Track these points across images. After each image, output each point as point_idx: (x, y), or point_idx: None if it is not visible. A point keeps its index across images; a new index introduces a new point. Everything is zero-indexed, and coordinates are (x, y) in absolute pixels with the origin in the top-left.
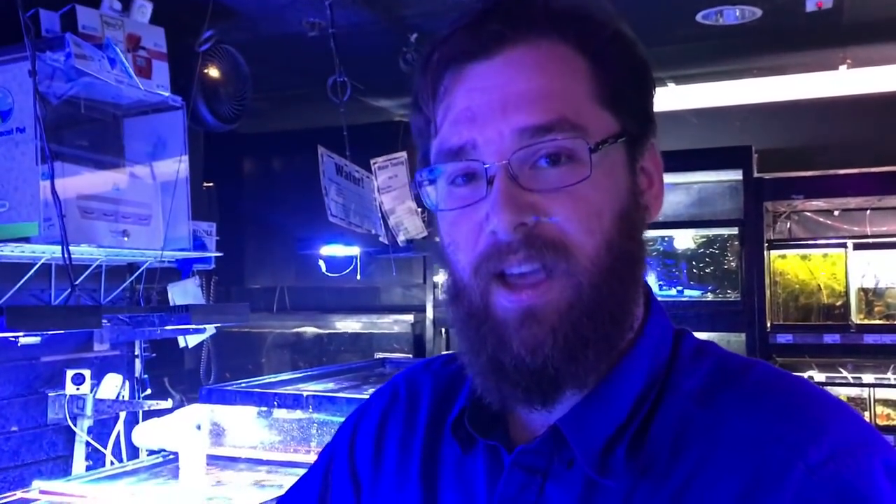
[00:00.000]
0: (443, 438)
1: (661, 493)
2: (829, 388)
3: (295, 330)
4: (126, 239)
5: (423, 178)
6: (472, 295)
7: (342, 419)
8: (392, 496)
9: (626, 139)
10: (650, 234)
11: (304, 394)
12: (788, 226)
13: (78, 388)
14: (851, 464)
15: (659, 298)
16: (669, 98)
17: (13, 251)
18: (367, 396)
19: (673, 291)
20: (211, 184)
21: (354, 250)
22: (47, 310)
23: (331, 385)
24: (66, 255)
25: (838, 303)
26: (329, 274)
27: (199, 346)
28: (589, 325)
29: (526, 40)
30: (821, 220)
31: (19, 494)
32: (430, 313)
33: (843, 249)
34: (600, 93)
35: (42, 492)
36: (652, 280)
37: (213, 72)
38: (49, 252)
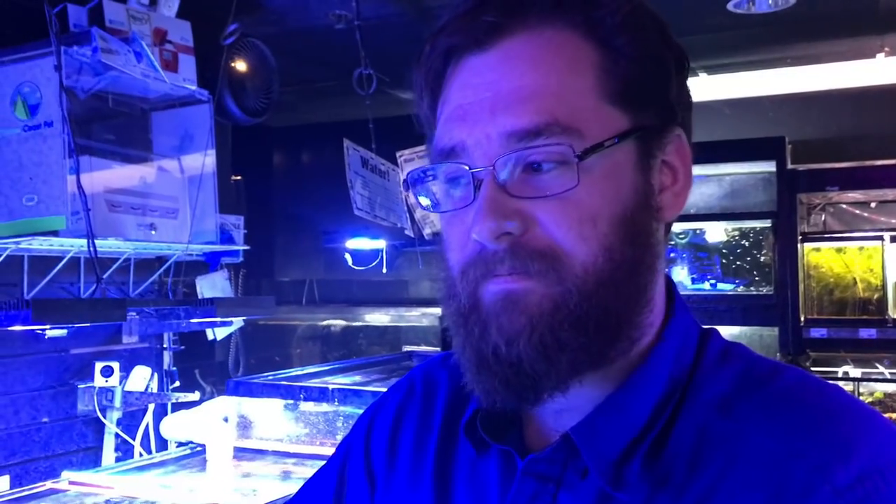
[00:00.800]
0: (458, 437)
1: None
2: (864, 384)
3: (324, 323)
4: (153, 232)
5: (418, 177)
6: (461, 294)
7: None
8: (405, 494)
9: (640, 136)
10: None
11: (330, 387)
12: (823, 218)
13: (107, 381)
14: (882, 487)
15: (691, 292)
16: (701, 88)
17: (42, 245)
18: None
19: (706, 285)
20: (239, 177)
21: (380, 243)
22: (72, 303)
23: (357, 378)
24: (91, 249)
25: (874, 297)
26: (355, 267)
27: (228, 338)
28: (572, 332)
29: (527, 29)
30: (856, 212)
31: (49, 485)
32: None
33: (879, 242)
34: (608, 87)
35: (71, 482)
36: (684, 273)
37: (240, 65)
38: (77, 245)
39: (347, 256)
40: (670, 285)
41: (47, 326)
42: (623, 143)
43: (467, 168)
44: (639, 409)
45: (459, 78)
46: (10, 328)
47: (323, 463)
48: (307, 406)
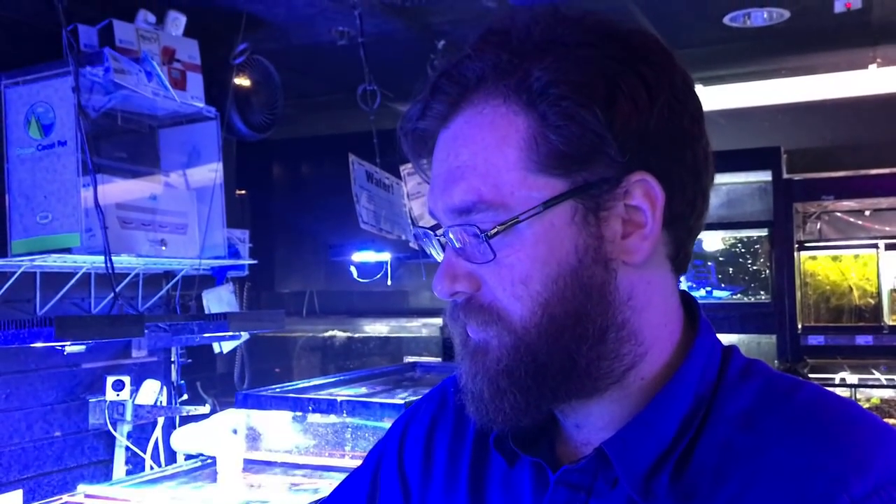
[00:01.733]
0: (490, 449)
1: None
2: (861, 391)
3: (324, 334)
4: (164, 248)
5: (423, 233)
6: (451, 331)
7: (376, 423)
8: (441, 503)
9: (581, 194)
10: None
11: (339, 399)
12: (819, 226)
13: (118, 394)
14: None
15: None
16: None
17: (56, 262)
18: (400, 401)
19: (702, 293)
20: (244, 191)
21: (385, 256)
22: (93, 319)
23: (363, 389)
24: (108, 266)
25: (870, 304)
26: (360, 280)
27: (233, 351)
28: (522, 377)
29: (471, 105)
30: (851, 220)
31: (65, 498)
32: None
33: (874, 250)
34: (537, 157)
35: (87, 496)
36: (682, 282)
37: (245, 82)
38: (90, 262)
39: (353, 269)
40: (692, 305)
41: (68, 343)
42: (555, 206)
43: (433, 234)
44: (666, 425)
45: (435, 149)
46: (32, 345)
47: (332, 474)
48: (314, 418)
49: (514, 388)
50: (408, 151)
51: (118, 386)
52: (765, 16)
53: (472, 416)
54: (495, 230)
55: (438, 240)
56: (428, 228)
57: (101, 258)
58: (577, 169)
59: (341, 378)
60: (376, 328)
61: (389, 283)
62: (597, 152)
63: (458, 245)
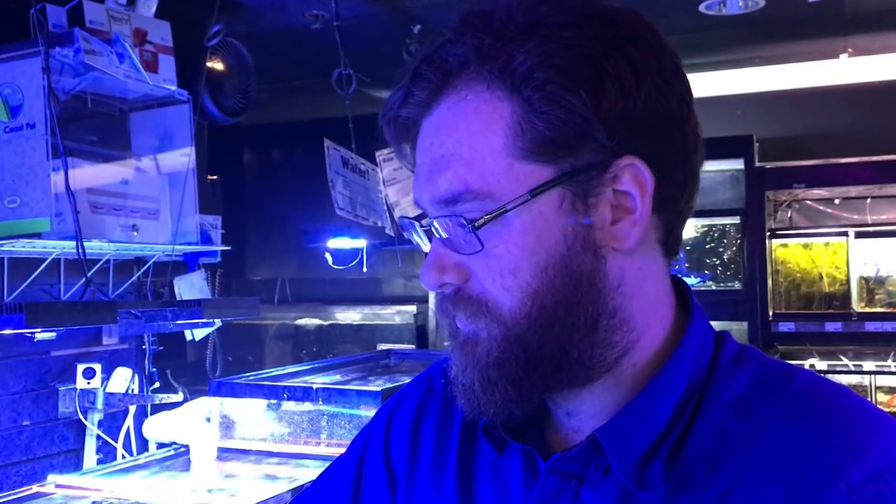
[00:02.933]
0: (478, 436)
1: None
2: (830, 376)
3: (297, 322)
4: (135, 234)
5: (408, 223)
6: (442, 321)
7: (352, 411)
8: (429, 491)
9: (569, 180)
10: None
11: (314, 386)
12: (790, 215)
13: (88, 383)
14: (894, 484)
15: None
16: None
17: (24, 247)
18: (375, 388)
19: None
20: (216, 177)
21: (361, 243)
22: (64, 306)
23: (337, 377)
24: (80, 251)
25: (840, 291)
26: (336, 266)
27: (205, 338)
28: (514, 368)
29: (454, 92)
30: (822, 208)
31: (35, 488)
32: (432, 304)
33: (844, 238)
34: (522, 144)
35: (58, 486)
36: None
37: (218, 65)
38: (60, 247)
39: (328, 256)
40: (684, 291)
41: (38, 330)
42: (543, 194)
43: (418, 226)
44: (660, 412)
45: (419, 137)
46: (2, 332)
47: (307, 461)
48: (289, 406)
49: (506, 380)
50: (390, 140)
51: (89, 374)
52: (740, 4)
53: (462, 409)
54: (482, 220)
55: (425, 230)
56: (413, 218)
57: (71, 244)
58: (564, 155)
59: (315, 365)
60: (349, 316)
61: (365, 269)
62: (584, 137)
63: (444, 236)
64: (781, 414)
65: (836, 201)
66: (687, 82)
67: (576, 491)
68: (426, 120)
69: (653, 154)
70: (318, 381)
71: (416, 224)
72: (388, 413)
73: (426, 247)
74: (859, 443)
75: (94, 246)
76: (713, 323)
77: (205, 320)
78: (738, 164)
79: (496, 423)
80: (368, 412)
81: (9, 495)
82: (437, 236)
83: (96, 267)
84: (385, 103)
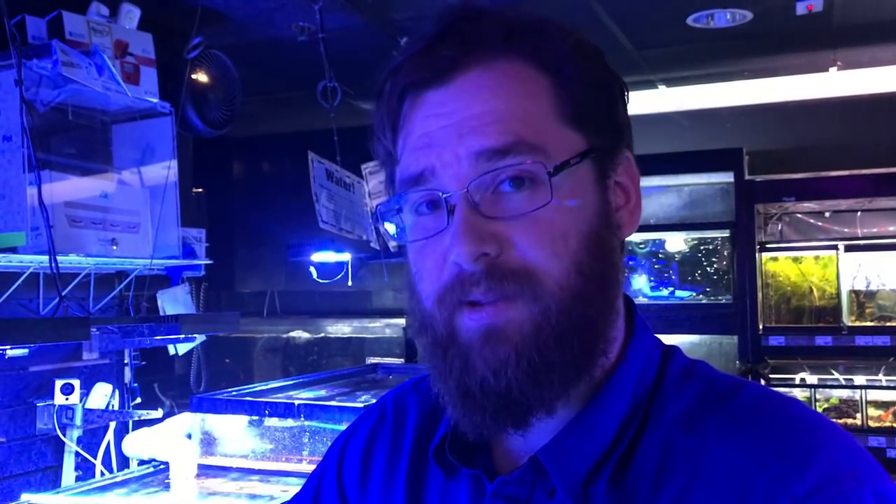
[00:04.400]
0: (428, 462)
1: None
2: (820, 391)
3: (286, 335)
4: (115, 247)
5: (388, 209)
6: (436, 324)
7: (335, 427)
8: None
9: (595, 156)
10: (640, 236)
11: (296, 402)
12: (780, 228)
13: (67, 398)
14: (838, 495)
15: (650, 301)
16: (660, 100)
17: (1, 261)
18: (360, 404)
19: (664, 292)
20: (200, 189)
21: (346, 256)
22: (34, 322)
23: (323, 392)
24: (53, 266)
25: (830, 305)
26: (320, 280)
27: (189, 352)
28: (556, 349)
29: (481, 62)
30: (812, 221)
31: None
32: None
33: (834, 251)
34: (563, 110)
35: None
36: (643, 281)
37: (202, 77)
38: (37, 262)
39: (312, 270)
40: (629, 304)
41: (7, 347)
42: (584, 162)
43: (440, 194)
44: (604, 429)
45: (421, 111)
46: None
47: (289, 479)
48: (272, 422)
49: (558, 362)
50: (385, 113)
51: (67, 389)
52: (728, 17)
53: (477, 427)
54: (554, 168)
55: (448, 196)
56: (427, 188)
57: (48, 258)
58: (593, 130)
59: (300, 380)
60: (338, 328)
61: (350, 283)
62: (609, 115)
63: (482, 199)
64: (727, 427)
65: (827, 214)
66: None
67: None
68: (440, 90)
69: (631, 153)
70: (303, 396)
71: (422, 199)
72: (341, 445)
73: (414, 232)
74: (803, 454)
75: (72, 260)
76: (703, 337)
77: (183, 336)
78: (727, 178)
79: (444, 447)
80: None
81: None
82: (468, 202)
83: (75, 282)
84: (391, 70)
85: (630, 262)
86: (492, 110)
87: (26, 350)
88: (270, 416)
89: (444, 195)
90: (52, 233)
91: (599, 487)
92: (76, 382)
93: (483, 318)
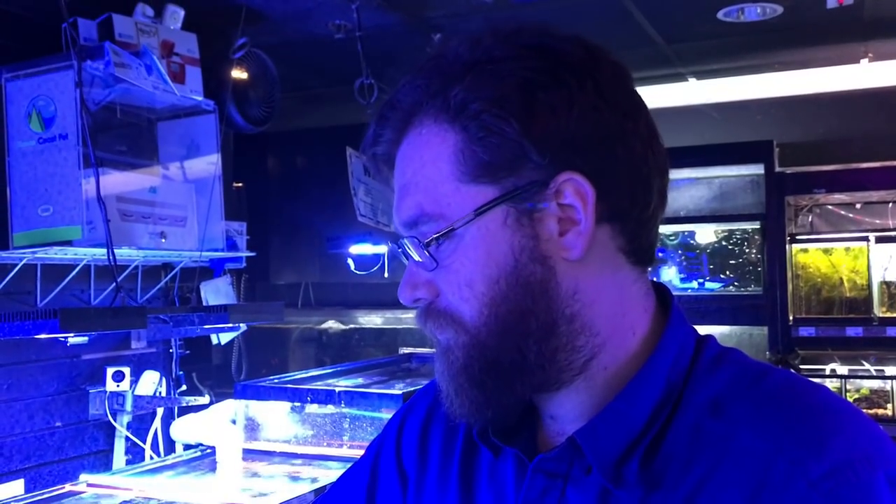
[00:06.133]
0: (478, 443)
1: None
2: (851, 381)
3: (320, 326)
4: (163, 240)
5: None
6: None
7: (373, 414)
8: (435, 494)
9: (511, 198)
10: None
11: (337, 389)
12: (810, 219)
13: (118, 385)
14: (852, 478)
15: (680, 292)
16: (690, 93)
17: (56, 254)
18: (397, 391)
19: (694, 284)
20: (240, 184)
21: (382, 248)
22: (96, 311)
23: (360, 380)
24: (111, 258)
25: (861, 296)
26: (358, 272)
27: (228, 342)
28: (484, 370)
29: (414, 127)
30: (843, 213)
31: (68, 487)
32: None
33: (865, 243)
34: (467, 168)
35: (89, 485)
36: (673, 273)
37: (243, 75)
38: (90, 254)
39: (350, 262)
40: (665, 297)
41: (71, 335)
42: (487, 212)
43: (398, 248)
44: (637, 414)
45: (395, 169)
46: (37, 336)
47: (330, 463)
48: (312, 408)
49: (472, 384)
50: (375, 175)
51: (118, 377)
52: (758, 11)
53: (446, 411)
54: (432, 239)
55: (401, 251)
56: (393, 242)
57: (101, 250)
58: (505, 175)
59: (338, 369)
60: (371, 320)
61: (386, 275)
62: (520, 159)
63: (413, 255)
64: (752, 413)
65: (857, 206)
66: (635, 99)
67: (561, 490)
68: (397, 155)
69: (594, 169)
70: (341, 384)
71: (395, 245)
72: (399, 420)
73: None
74: (821, 439)
75: (123, 253)
76: (734, 328)
77: (231, 325)
78: (758, 170)
79: (488, 430)
80: (390, 415)
81: (43, 493)
82: (410, 256)
83: (125, 273)
84: (363, 140)
85: (659, 254)
86: (405, 184)
87: (86, 338)
88: (312, 402)
89: (399, 248)
90: (109, 227)
91: (632, 467)
92: (126, 370)
93: (438, 336)
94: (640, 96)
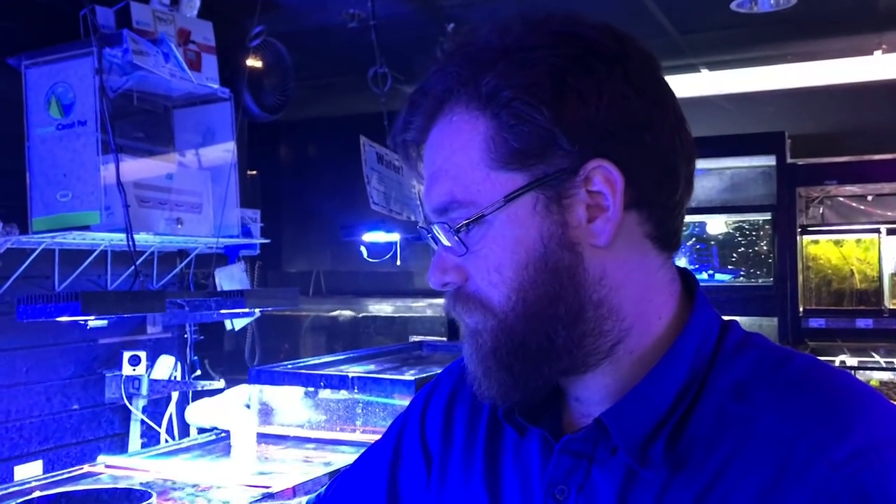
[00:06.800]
0: (503, 422)
1: (693, 485)
2: (861, 373)
3: (331, 313)
4: (179, 226)
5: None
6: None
7: (386, 400)
8: (460, 472)
9: (541, 185)
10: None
11: (350, 375)
12: (821, 211)
13: (134, 369)
14: (875, 461)
15: None
16: (703, 84)
17: (75, 238)
18: (409, 377)
19: (704, 276)
20: (254, 172)
21: (395, 237)
22: (115, 295)
23: (371, 367)
24: (130, 243)
25: (871, 288)
26: (370, 260)
27: (244, 328)
28: (511, 354)
29: (443, 115)
30: (854, 205)
31: (86, 468)
32: None
33: (876, 235)
34: (497, 155)
35: (107, 466)
36: (684, 264)
37: (258, 63)
38: (108, 239)
39: (363, 249)
40: (690, 284)
41: (91, 318)
42: (517, 199)
43: (427, 234)
44: (662, 397)
45: (424, 157)
46: (56, 319)
47: (342, 447)
48: (325, 394)
49: (500, 367)
50: (404, 162)
51: (134, 361)
52: (771, 1)
53: (474, 391)
54: (462, 225)
55: (431, 237)
56: (423, 227)
57: (119, 235)
58: (535, 162)
59: (350, 355)
60: (382, 308)
61: (398, 263)
62: (550, 146)
63: (443, 240)
64: (775, 396)
65: (869, 198)
66: (662, 86)
67: (587, 470)
68: (427, 142)
69: (622, 156)
70: (354, 370)
71: (425, 231)
72: (423, 399)
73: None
74: (844, 422)
75: (140, 238)
76: (743, 319)
77: (246, 310)
78: (769, 161)
79: (514, 410)
80: (402, 401)
81: (61, 474)
82: (440, 241)
83: (142, 258)
84: (393, 128)
85: None
86: (435, 171)
87: (106, 321)
88: (325, 388)
89: (429, 235)
90: (128, 213)
91: (657, 449)
92: (142, 354)
93: (466, 320)
94: (668, 84)
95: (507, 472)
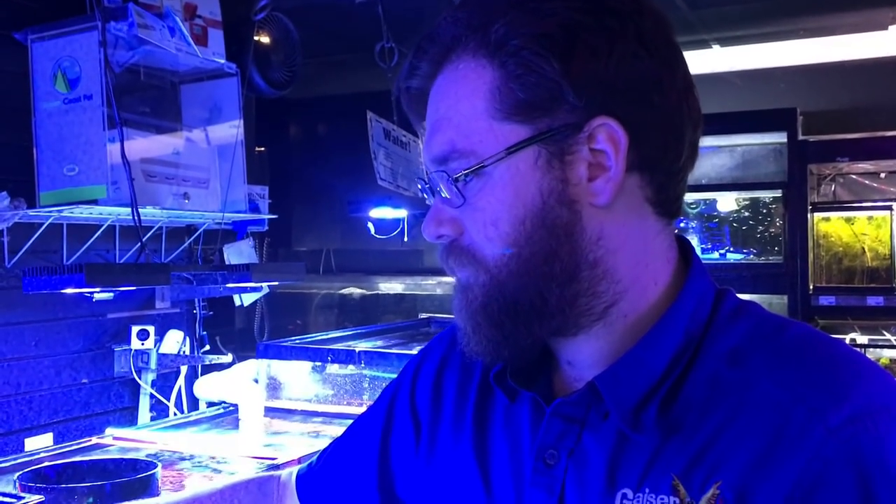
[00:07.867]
0: (493, 386)
1: (687, 450)
2: (872, 351)
3: (341, 291)
4: (187, 201)
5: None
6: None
7: (393, 374)
8: (449, 438)
9: (545, 139)
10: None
11: (357, 350)
12: (833, 188)
13: (143, 343)
14: (871, 427)
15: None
16: (714, 60)
17: (82, 213)
18: (414, 352)
19: (716, 255)
20: (262, 148)
21: (402, 213)
22: (121, 267)
23: (379, 342)
24: (135, 217)
25: (882, 265)
26: (377, 236)
27: (251, 306)
28: (503, 310)
29: (450, 63)
30: (866, 182)
31: (95, 440)
32: None
33: (888, 212)
34: (502, 105)
35: (115, 438)
36: (694, 242)
37: (265, 39)
38: (115, 214)
39: (370, 226)
40: (687, 251)
41: (97, 290)
42: (519, 152)
43: (424, 183)
44: (656, 362)
45: (428, 105)
46: (62, 291)
47: (350, 421)
48: (333, 368)
49: (490, 323)
50: (406, 110)
51: (143, 335)
52: None
53: (462, 348)
54: (461, 175)
55: (428, 187)
56: (420, 177)
57: (126, 210)
58: (540, 115)
59: (358, 331)
60: (391, 286)
61: (406, 239)
62: (556, 99)
63: (442, 191)
64: (771, 363)
65: (881, 175)
66: (674, 49)
67: (578, 434)
68: (431, 90)
69: (628, 115)
70: (361, 345)
71: (424, 182)
72: (414, 366)
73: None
74: (841, 389)
75: (147, 213)
76: (753, 296)
77: (253, 284)
78: (781, 138)
79: (505, 373)
80: None
81: (70, 445)
82: (438, 192)
83: (150, 233)
84: (398, 76)
85: (680, 223)
86: (439, 118)
87: (111, 294)
88: (332, 362)
89: (426, 186)
90: (133, 187)
91: (650, 413)
92: (151, 329)
93: (458, 274)
94: (679, 47)
95: (497, 437)
